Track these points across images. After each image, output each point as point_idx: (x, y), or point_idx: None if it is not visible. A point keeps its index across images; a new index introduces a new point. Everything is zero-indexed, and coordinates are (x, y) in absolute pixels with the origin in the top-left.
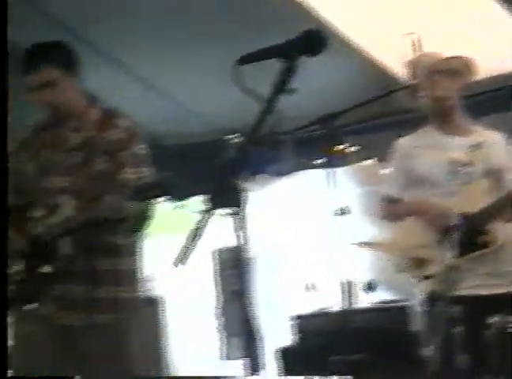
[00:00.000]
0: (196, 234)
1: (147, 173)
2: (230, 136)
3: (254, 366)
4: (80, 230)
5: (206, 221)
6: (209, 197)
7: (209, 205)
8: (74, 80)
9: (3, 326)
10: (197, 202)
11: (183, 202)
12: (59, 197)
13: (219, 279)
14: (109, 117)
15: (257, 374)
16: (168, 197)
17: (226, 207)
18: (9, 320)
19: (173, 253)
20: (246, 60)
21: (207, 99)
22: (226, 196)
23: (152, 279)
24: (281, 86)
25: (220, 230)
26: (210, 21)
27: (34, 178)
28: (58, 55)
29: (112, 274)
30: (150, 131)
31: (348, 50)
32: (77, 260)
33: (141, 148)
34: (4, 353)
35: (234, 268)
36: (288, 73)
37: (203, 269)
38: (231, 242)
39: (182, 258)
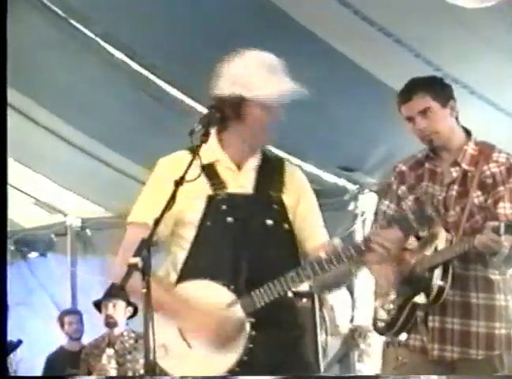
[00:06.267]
0: None
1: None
2: None
3: None
4: (453, 262)
5: None
6: None
7: None
8: (449, 112)
9: (3, 325)
10: None
11: None
12: (431, 229)
13: None
14: (486, 151)
15: None
16: None
17: None
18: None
19: None
20: None
21: None
22: None
23: None
24: None
25: None
26: None
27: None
28: (434, 86)
29: (485, 309)
30: None
31: None
32: (451, 292)
33: None
34: (4, 353)
35: None
36: None
37: None
38: None
39: None
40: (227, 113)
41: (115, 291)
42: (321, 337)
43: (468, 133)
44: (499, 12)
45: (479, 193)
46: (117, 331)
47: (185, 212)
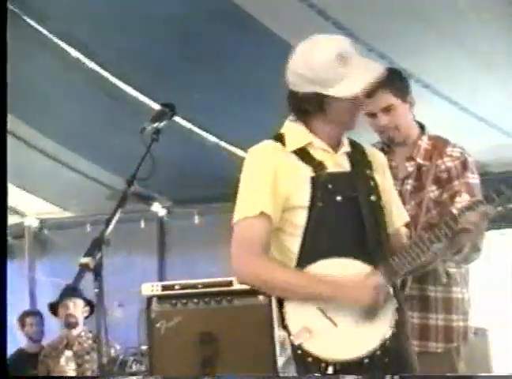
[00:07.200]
0: None
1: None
2: None
3: None
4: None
5: None
6: None
7: None
8: (408, 107)
9: (3, 325)
10: None
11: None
12: None
13: None
14: (440, 146)
15: None
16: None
17: None
18: None
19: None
20: None
21: None
22: None
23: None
24: None
25: None
26: None
27: None
28: (395, 82)
29: (443, 302)
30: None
31: None
32: (409, 285)
33: (473, 177)
34: (4, 352)
35: None
36: None
37: None
38: None
39: None
40: (308, 108)
41: (71, 291)
42: (278, 332)
43: (421, 127)
44: (455, 3)
45: (434, 187)
46: (75, 331)
47: (292, 197)
